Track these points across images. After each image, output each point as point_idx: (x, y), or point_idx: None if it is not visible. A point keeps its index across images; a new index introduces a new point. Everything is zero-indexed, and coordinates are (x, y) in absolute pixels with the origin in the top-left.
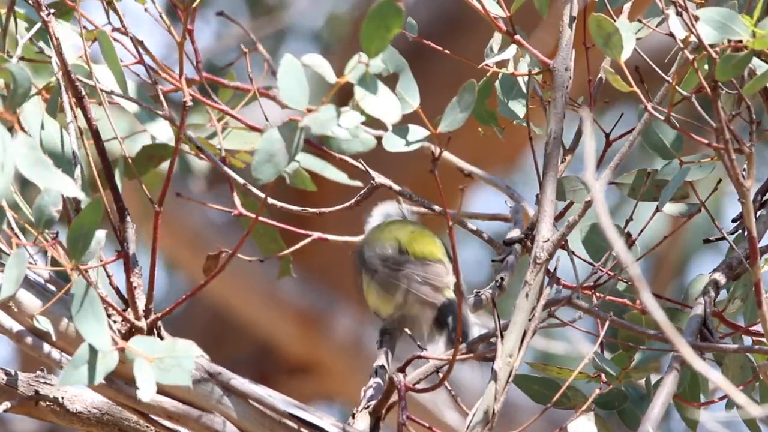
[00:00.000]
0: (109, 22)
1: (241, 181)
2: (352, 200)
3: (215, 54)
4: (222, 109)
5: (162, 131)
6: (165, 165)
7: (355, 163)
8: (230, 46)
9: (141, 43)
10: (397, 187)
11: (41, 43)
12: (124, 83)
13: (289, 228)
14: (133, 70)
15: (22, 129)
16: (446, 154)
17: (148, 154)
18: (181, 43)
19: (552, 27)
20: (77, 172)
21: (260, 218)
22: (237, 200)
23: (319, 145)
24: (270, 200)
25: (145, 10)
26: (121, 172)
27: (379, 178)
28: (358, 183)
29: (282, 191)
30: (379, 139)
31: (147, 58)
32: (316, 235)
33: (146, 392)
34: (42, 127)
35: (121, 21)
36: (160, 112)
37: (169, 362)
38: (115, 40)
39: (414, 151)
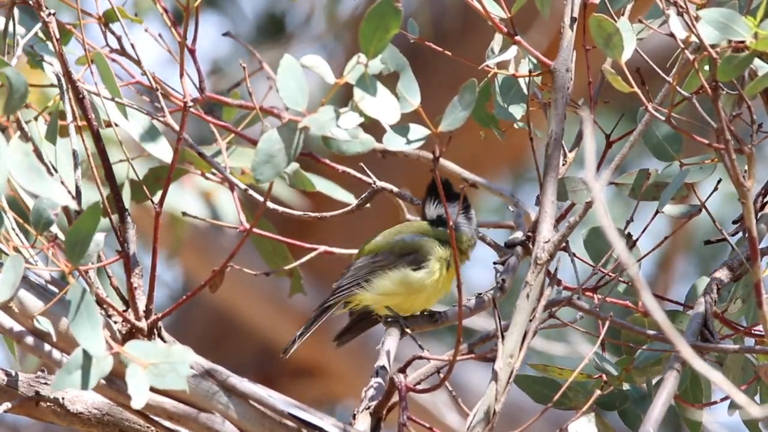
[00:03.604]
0: (107, 44)
1: (243, 186)
2: (353, 204)
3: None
4: (224, 125)
5: (163, 151)
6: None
7: (358, 174)
8: (242, 57)
9: (139, 62)
10: (396, 190)
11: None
12: (123, 108)
13: (296, 243)
14: (137, 90)
15: (23, 133)
16: (450, 164)
17: (156, 175)
18: (182, 43)
19: (545, 28)
20: (78, 173)
21: (269, 234)
22: (242, 217)
23: (321, 159)
24: (272, 206)
25: (146, 30)
26: (129, 195)
27: (380, 182)
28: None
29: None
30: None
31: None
32: (322, 248)
33: (138, 399)
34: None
35: (120, 42)
36: (161, 118)
37: (164, 367)
38: (113, 60)
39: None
